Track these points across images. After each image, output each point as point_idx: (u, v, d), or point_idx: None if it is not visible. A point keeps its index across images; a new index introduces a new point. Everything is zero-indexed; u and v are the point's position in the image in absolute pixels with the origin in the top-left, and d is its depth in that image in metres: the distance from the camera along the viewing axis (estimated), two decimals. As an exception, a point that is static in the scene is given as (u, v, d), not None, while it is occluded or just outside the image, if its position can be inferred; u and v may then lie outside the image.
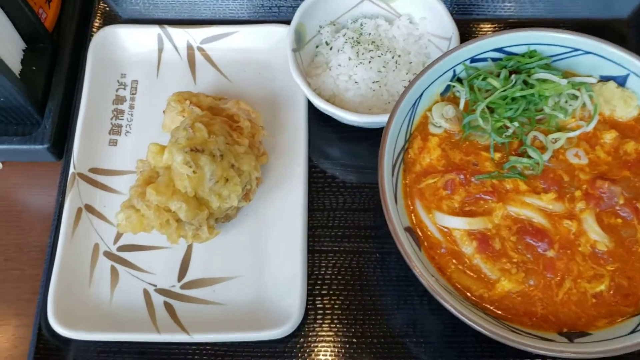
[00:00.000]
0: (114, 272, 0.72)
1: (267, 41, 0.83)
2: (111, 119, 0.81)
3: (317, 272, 0.74)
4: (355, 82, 0.77)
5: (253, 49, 0.84)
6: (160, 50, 0.90)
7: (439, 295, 0.60)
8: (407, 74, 0.82)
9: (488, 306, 0.63)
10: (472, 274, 0.65)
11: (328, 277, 0.74)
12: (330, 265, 0.74)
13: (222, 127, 0.74)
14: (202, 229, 0.73)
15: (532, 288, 0.64)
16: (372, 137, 0.86)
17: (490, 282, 0.64)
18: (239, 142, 0.75)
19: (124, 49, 0.90)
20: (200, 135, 0.72)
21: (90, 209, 0.75)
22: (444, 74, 0.72)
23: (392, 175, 0.68)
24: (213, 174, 0.71)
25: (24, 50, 0.86)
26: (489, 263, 0.65)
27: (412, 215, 0.68)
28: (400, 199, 0.68)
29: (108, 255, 0.73)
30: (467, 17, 0.83)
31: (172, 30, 0.90)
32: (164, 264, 0.72)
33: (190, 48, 0.90)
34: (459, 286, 0.65)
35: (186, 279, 0.72)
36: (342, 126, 0.82)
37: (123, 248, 0.74)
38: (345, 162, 0.81)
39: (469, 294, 0.64)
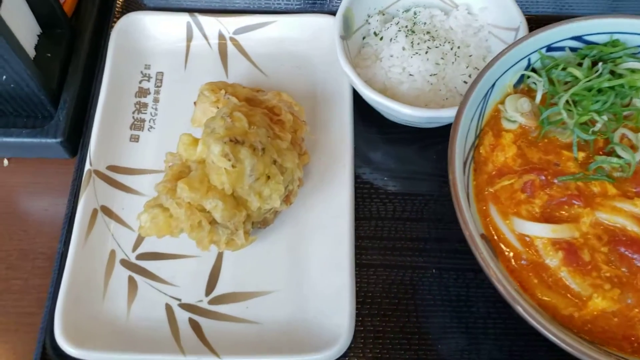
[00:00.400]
0: (132, 284, 0.63)
1: (308, 32, 0.76)
2: (133, 112, 0.72)
3: (365, 289, 0.67)
4: (410, 75, 0.68)
5: (291, 40, 0.77)
6: (189, 40, 0.82)
7: (526, 310, 0.50)
8: (467, 67, 0.74)
9: (580, 327, 0.53)
10: (559, 289, 0.55)
11: (378, 294, 0.65)
12: (380, 281, 0.66)
13: (263, 118, 0.65)
14: (238, 234, 0.63)
15: (630, 307, 0.55)
16: (423, 138, 0.78)
17: (581, 299, 0.54)
18: (280, 137, 0.66)
19: (149, 37, 0.82)
20: (240, 126, 0.62)
21: (107, 211, 0.66)
22: (517, 62, 0.64)
23: (464, 174, 0.59)
24: (254, 170, 0.61)
25: (39, 36, 0.77)
26: (578, 277, 0.56)
27: (487, 221, 0.59)
28: (472, 203, 0.59)
29: (126, 264, 0.64)
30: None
31: (203, 19, 0.82)
32: (189, 276, 0.65)
33: (222, 38, 0.82)
34: (543, 303, 0.55)
35: (215, 293, 0.64)
36: (389, 126, 0.74)
37: (143, 256, 0.64)
38: (393, 167, 0.76)
39: (555, 313, 0.54)
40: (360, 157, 0.73)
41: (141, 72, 0.80)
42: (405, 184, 0.73)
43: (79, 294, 0.62)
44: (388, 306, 0.65)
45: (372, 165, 0.74)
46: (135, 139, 0.72)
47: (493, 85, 0.63)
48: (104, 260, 0.65)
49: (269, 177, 0.63)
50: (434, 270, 0.67)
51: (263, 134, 0.64)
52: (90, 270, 0.64)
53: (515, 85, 0.65)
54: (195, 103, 0.71)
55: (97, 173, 0.68)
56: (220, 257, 0.65)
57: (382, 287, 0.66)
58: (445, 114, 0.63)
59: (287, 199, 0.68)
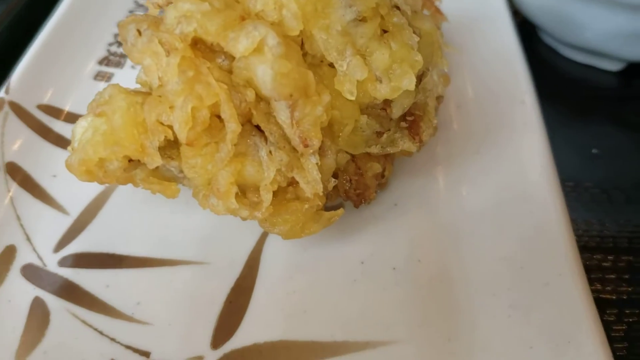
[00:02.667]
0: (39, 315, 0.32)
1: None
2: (110, 45, 0.44)
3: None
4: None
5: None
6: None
7: None
8: None
9: None
10: None
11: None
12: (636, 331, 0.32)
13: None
14: (307, 162, 0.26)
15: None
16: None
17: None
18: None
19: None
20: None
21: (16, 172, 0.31)
22: None
23: None
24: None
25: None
26: None
27: None
28: None
29: (33, 274, 0.28)
30: None
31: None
32: (177, 302, 0.32)
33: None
34: None
35: (236, 343, 0.30)
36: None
37: (77, 260, 0.34)
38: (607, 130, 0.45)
39: None
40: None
41: (135, 1, 0.49)
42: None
43: None
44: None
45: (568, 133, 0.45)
46: (104, 77, 0.43)
47: None
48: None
49: (386, 32, 0.28)
50: None
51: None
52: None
53: None
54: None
55: (16, 108, 0.36)
56: (254, 260, 0.32)
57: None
58: None
59: (413, 128, 0.31)
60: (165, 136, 0.27)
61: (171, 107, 0.26)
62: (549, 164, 0.34)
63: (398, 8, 0.30)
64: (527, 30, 0.49)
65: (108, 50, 0.47)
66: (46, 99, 0.41)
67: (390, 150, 0.32)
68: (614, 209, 0.38)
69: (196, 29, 0.25)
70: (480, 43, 0.43)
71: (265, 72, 0.25)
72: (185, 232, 0.34)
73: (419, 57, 0.28)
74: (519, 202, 0.33)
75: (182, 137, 0.26)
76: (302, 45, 0.27)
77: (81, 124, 0.29)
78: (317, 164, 0.28)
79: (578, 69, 0.47)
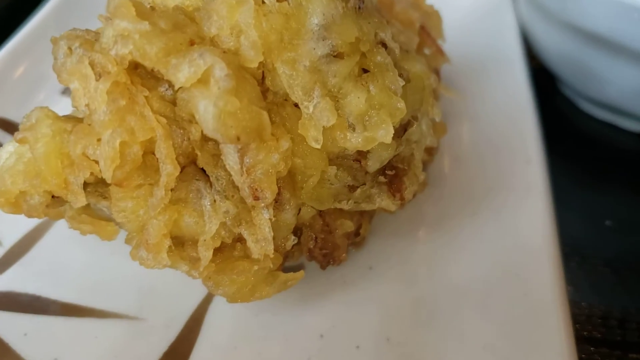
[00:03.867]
0: None
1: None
2: None
3: None
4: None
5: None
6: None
7: None
8: None
9: None
10: None
11: None
12: None
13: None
14: (259, 216, 0.22)
15: None
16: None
17: None
18: (397, 27, 0.28)
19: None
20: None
21: None
22: None
23: None
24: (329, 28, 0.22)
25: None
26: None
27: None
28: None
29: None
30: None
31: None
32: None
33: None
34: None
35: None
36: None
37: None
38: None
39: None
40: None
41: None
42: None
43: None
44: None
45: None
46: (73, 92, 0.35)
47: None
48: None
49: (365, 72, 0.24)
50: None
51: (360, -17, 0.26)
52: None
53: None
54: None
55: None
56: (196, 321, 0.28)
57: None
58: None
59: (395, 185, 0.27)
60: (92, 172, 0.23)
61: (98, 140, 0.22)
62: (550, 235, 0.29)
63: (384, 45, 0.26)
64: (545, 79, 0.45)
65: (84, 64, 0.44)
66: (3, 112, 0.38)
67: (365, 207, 0.28)
68: (626, 293, 0.33)
69: (132, 51, 0.21)
70: (487, 89, 0.39)
71: (207, 109, 0.21)
72: (122, 279, 0.29)
73: (401, 104, 0.24)
74: (512, 278, 0.29)
75: (107, 175, 0.22)
76: (262, 80, 0.23)
77: (7, 148, 0.25)
78: (270, 219, 0.23)
79: (597, 127, 0.42)
